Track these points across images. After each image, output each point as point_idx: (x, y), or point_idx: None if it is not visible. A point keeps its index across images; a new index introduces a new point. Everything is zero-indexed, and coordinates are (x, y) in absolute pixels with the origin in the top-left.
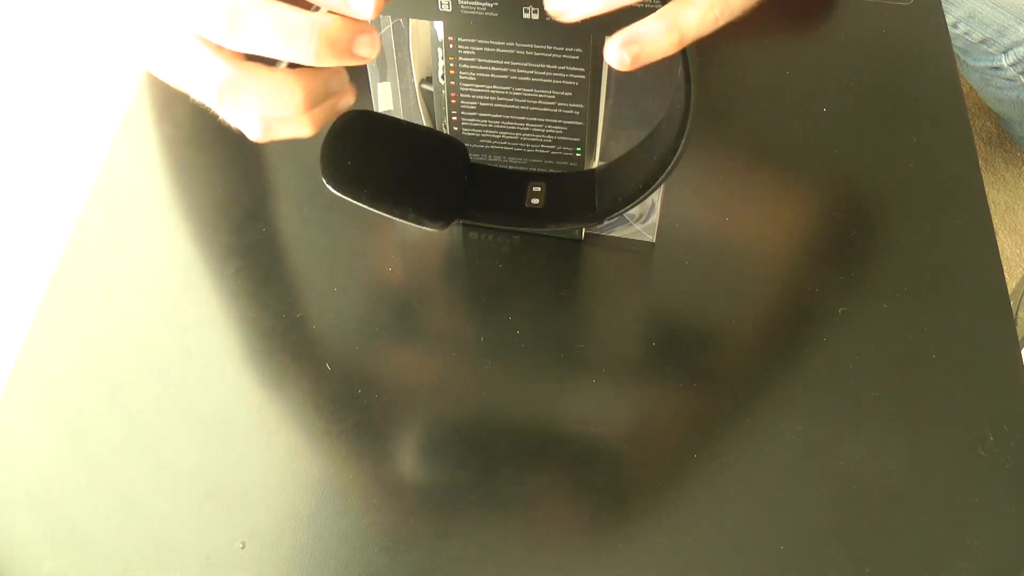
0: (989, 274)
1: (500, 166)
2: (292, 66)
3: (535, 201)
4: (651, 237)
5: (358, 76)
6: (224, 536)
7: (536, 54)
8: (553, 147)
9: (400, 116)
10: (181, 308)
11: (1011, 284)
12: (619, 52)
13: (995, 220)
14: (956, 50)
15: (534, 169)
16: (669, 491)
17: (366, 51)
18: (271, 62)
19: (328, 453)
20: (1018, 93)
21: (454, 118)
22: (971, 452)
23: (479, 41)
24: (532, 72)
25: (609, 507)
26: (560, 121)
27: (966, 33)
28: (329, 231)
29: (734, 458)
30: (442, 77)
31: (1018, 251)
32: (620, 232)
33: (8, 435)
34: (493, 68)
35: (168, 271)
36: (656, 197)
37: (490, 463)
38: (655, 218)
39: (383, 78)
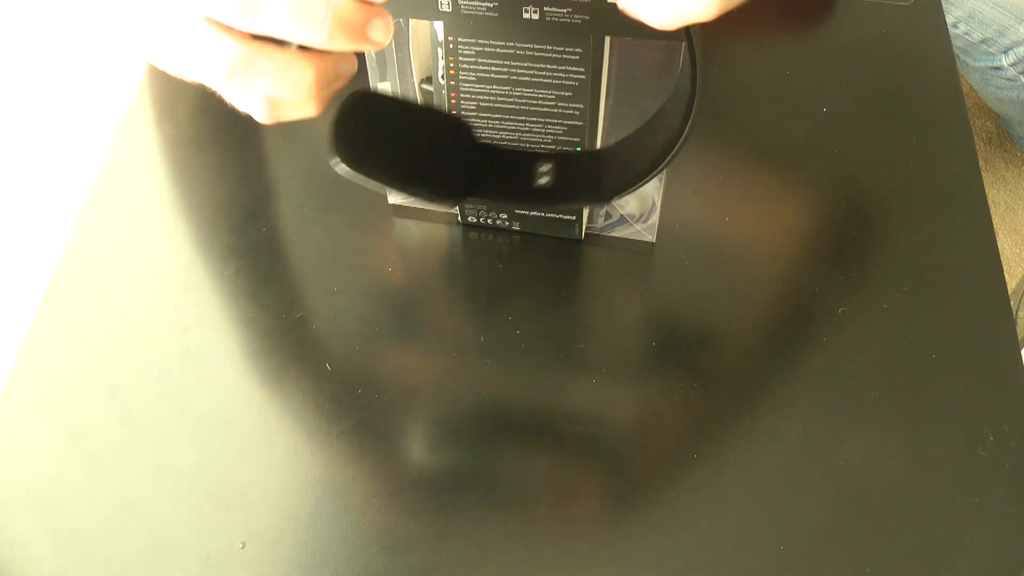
0: (989, 274)
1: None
2: (301, 49)
3: (543, 181)
4: (651, 237)
5: (359, 76)
6: (224, 536)
7: (536, 54)
8: (553, 147)
9: None
10: (181, 308)
11: (1011, 284)
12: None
13: (995, 220)
14: (956, 50)
15: (540, 149)
16: (669, 491)
17: (380, 35)
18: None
19: (328, 453)
20: (1018, 93)
21: None
22: (971, 452)
23: (479, 41)
24: (532, 72)
25: (609, 507)
26: (560, 121)
27: (966, 33)
28: (329, 231)
29: (734, 458)
30: (442, 77)
31: (1018, 251)
32: (620, 232)
33: (8, 435)
34: (493, 68)
35: (168, 271)
36: (656, 197)
37: (490, 463)
38: (655, 218)
39: (383, 78)
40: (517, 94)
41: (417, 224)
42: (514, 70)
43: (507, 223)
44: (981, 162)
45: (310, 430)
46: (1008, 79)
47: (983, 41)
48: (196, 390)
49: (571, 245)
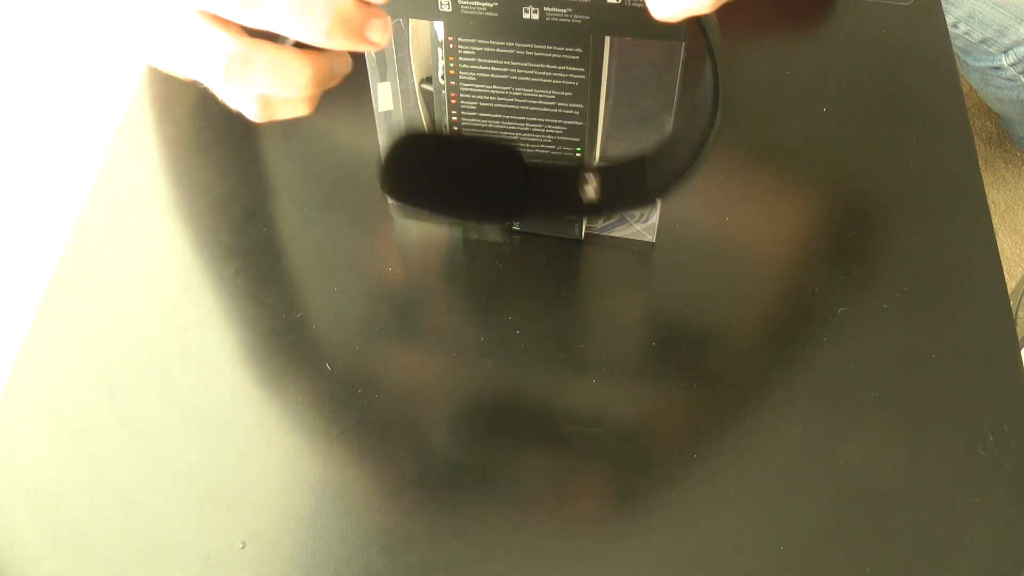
0: (989, 274)
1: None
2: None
3: (590, 193)
4: (651, 237)
5: (358, 76)
6: (224, 536)
7: (536, 54)
8: (553, 147)
9: (400, 116)
10: (181, 308)
11: (1011, 284)
12: None
13: (995, 220)
14: (956, 50)
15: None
16: (669, 491)
17: (377, 35)
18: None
19: (328, 453)
20: (1018, 93)
21: (454, 118)
22: (971, 452)
23: (479, 41)
24: (532, 72)
25: (609, 507)
26: (560, 121)
27: (966, 33)
28: (329, 231)
29: (734, 458)
30: (442, 77)
31: (1018, 251)
32: (620, 232)
33: (8, 435)
34: (493, 68)
35: (168, 271)
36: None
37: (490, 463)
38: (655, 218)
39: (383, 78)
40: (517, 94)
41: (417, 224)
42: (514, 70)
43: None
44: (981, 162)
45: (310, 430)
46: (1008, 79)
47: (983, 41)
48: (196, 390)
49: (571, 245)
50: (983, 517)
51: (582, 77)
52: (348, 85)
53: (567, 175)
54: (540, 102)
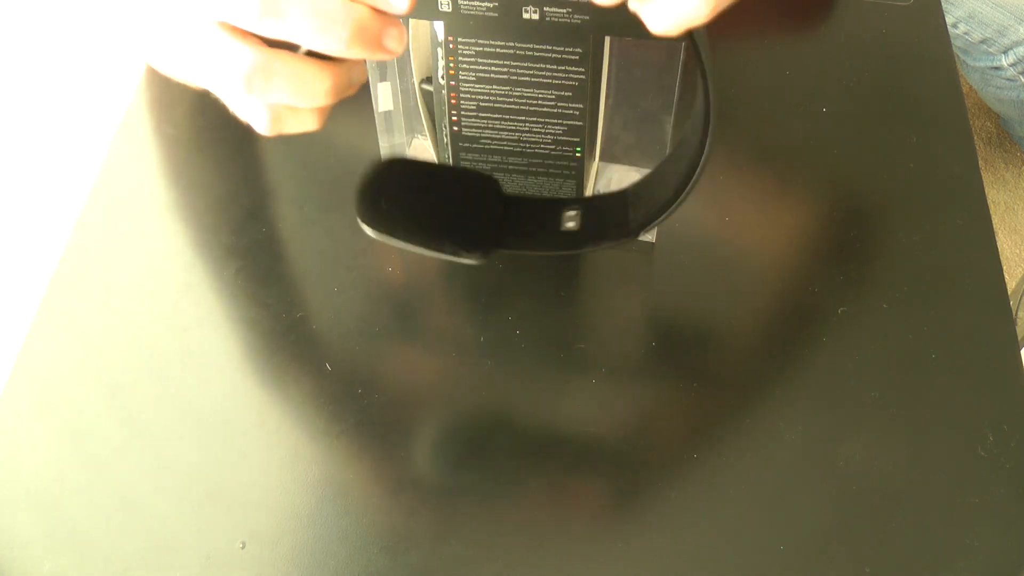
0: (989, 274)
1: (498, 164)
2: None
3: (570, 225)
4: (651, 237)
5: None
6: (224, 536)
7: (536, 54)
8: (553, 147)
9: (400, 116)
10: (181, 308)
11: (1011, 284)
12: None
13: (995, 220)
14: (956, 50)
15: (558, 187)
16: (669, 491)
17: (394, 44)
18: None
19: (328, 453)
20: (1018, 93)
21: (454, 118)
22: (971, 452)
23: (479, 41)
24: (532, 72)
25: (609, 507)
26: (560, 121)
27: (966, 33)
28: (329, 231)
29: (734, 458)
30: (442, 77)
31: (1018, 251)
32: None
33: (8, 435)
34: (493, 68)
35: (168, 271)
36: None
37: (490, 463)
38: None
39: (383, 78)
40: (517, 94)
41: None
42: (514, 70)
43: None
44: (981, 162)
45: (310, 430)
46: (1008, 79)
47: (983, 41)
48: (196, 390)
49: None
50: (983, 517)
51: (582, 77)
52: (355, 97)
53: (547, 207)
54: (540, 102)
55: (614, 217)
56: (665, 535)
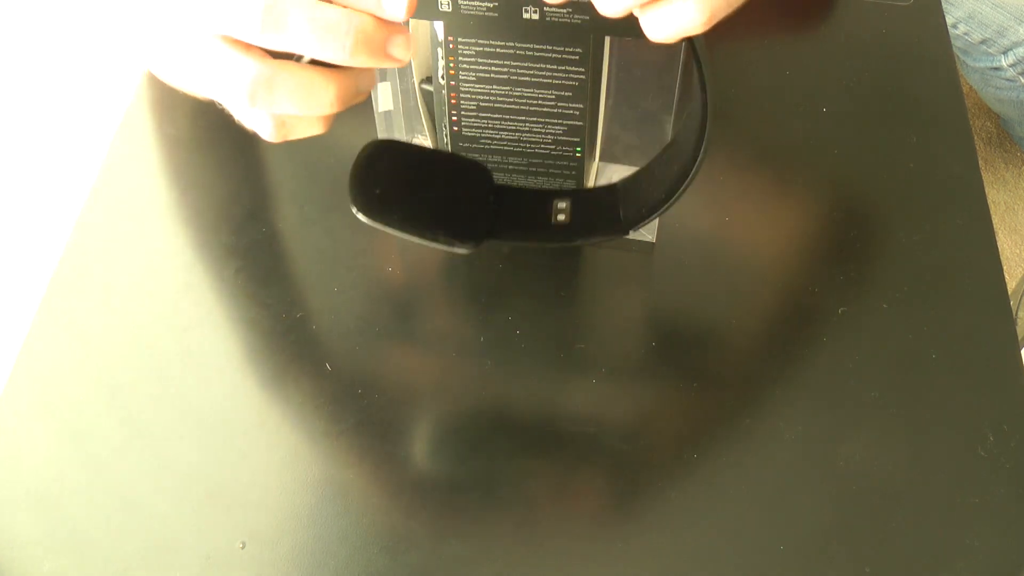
0: (989, 274)
1: (498, 164)
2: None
3: (561, 217)
4: (651, 237)
5: None
6: (224, 536)
7: (536, 54)
8: (553, 147)
9: (400, 116)
10: (181, 308)
11: (1011, 284)
12: None
13: (995, 220)
14: (956, 50)
15: (558, 187)
16: (669, 491)
17: (400, 52)
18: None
19: (328, 453)
20: (1018, 93)
21: (454, 118)
22: (971, 452)
23: (479, 41)
24: (532, 72)
25: (609, 507)
26: (560, 121)
27: (966, 33)
28: (329, 231)
29: (734, 458)
30: (442, 77)
31: (1018, 251)
32: None
33: (8, 435)
34: (493, 68)
35: (168, 271)
36: None
37: (490, 463)
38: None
39: (383, 78)
40: (517, 94)
41: None
42: (514, 70)
43: None
44: (981, 162)
45: (310, 430)
46: (1008, 79)
47: (983, 41)
48: (196, 390)
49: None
50: (983, 517)
51: (582, 77)
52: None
53: (539, 197)
54: (540, 102)
55: (605, 212)
56: (665, 535)
